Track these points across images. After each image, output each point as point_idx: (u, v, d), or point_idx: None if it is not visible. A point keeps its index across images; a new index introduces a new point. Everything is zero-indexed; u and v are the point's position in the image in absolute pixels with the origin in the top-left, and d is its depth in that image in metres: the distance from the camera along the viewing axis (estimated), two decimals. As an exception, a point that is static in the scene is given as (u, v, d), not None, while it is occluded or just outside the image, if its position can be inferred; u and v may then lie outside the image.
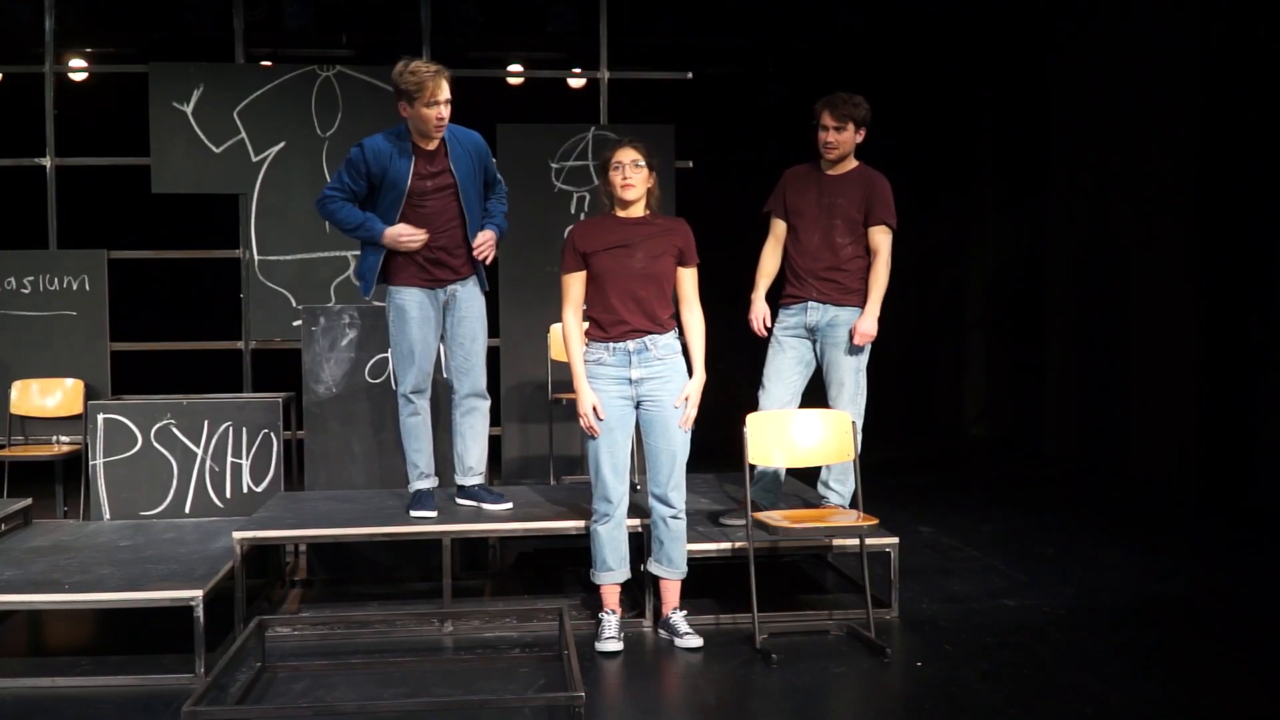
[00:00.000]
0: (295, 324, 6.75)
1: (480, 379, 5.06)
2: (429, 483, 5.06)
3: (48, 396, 6.62)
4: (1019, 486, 8.17)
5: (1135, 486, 7.79)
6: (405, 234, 4.83)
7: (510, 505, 5.06)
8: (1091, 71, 8.63)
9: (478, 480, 5.13)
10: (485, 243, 4.96)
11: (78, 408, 6.58)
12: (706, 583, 5.11)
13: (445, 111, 4.70)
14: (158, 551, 4.85)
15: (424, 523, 4.86)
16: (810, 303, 5.12)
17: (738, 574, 4.71)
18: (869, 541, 4.75)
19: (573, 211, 6.98)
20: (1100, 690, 4.04)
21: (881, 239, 5.09)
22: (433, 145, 4.82)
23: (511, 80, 8.57)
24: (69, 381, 6.68)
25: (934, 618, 4.89)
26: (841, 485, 5.17)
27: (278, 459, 5.70)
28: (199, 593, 4.21)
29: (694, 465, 6.63)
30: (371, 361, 5.74)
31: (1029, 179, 9.60)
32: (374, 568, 5.57)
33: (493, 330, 5.23)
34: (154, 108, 6.87)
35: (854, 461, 4.79)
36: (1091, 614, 4.92)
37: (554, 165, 6.98)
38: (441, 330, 5.03)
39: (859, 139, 5.10)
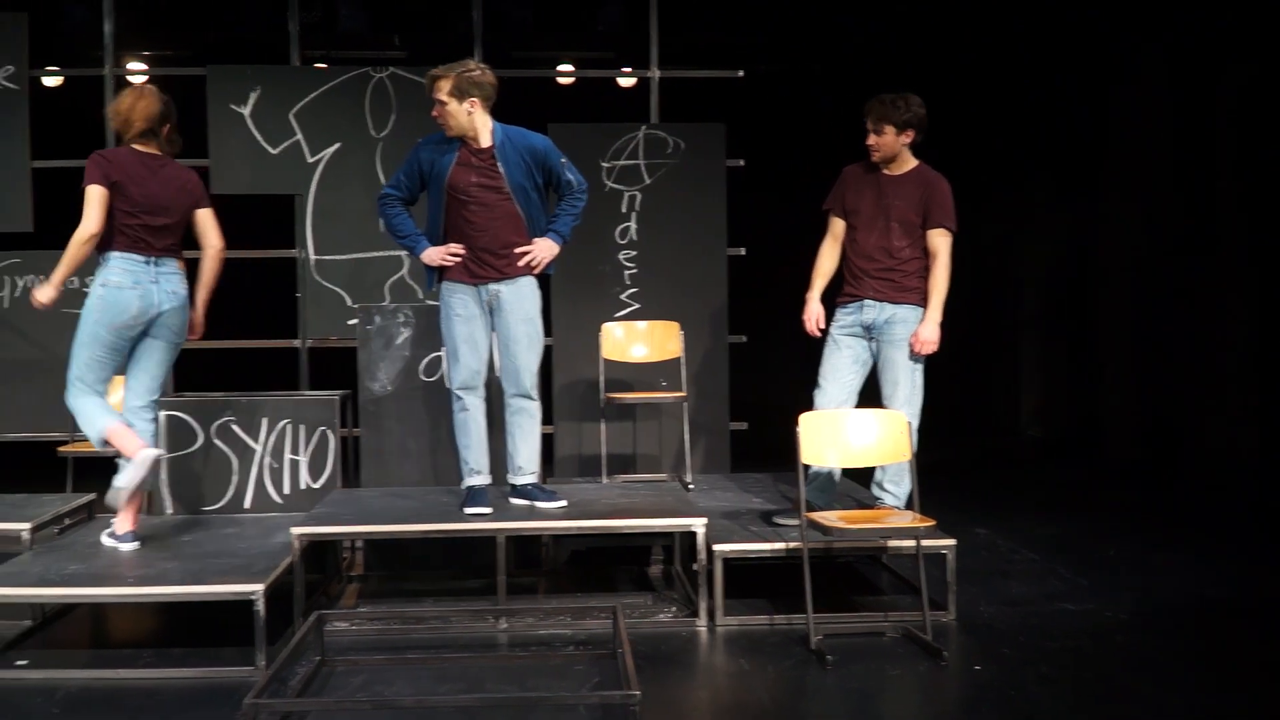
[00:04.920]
0: (351, 323, 6.80)
1: (525, 380, 5.08)
2: (481, 479, 5.09)
3: (110, 394, 6.70)
4: (1077, 488, 8.08)
5: (1196, 488, 7.67)
6: (439, 256, 4.98)
7: (564, 503, 5.08)
8: (1147, 66, 8.51)
9: (529, 479, 5.15)
10: (534, 254, 4.99)
11: (139, 405, 6.65)
12: (760, 583, 5.11)
13: (438, 110, 4.87)
14: (218, 546, 4.92)
15: (478, 520, 4.89)
16: (867, 301, 5.10)
17: (791, 574, 4.69)
18: (925, 543, 4.71)
19: (624, 210, 6.99)
20: (1161, 696, 3.99)
21: (941, 242, 5.05)
22: (484, 144, 4.88)
23: (561, 80, 8.59)
24: (130, 379, 6.75)
25: (992, 621, 4.84)
26: (896, 486, 5.14)
27: (334, 456, 5.76)
28: (260, 587, 4.27)
29: (748, 465, 6.70)
30: (426, 360, 5.78)
31: (1083, 175, 9.49)
32: (429, 564, 5.61)
33: (545, 329, 5.25)
34: (212, 110, 6.95)
35: (910, 462, 4.76)
36: (1152, 618, 4.86)
37: (604, 164, 6.98)
38: (492, 329, 5.07)
39: (905, 140, 5.06)
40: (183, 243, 5.05)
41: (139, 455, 4.67)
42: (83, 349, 4.76)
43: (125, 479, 4.72)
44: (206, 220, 5.06)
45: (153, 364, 4.96)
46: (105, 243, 4.76)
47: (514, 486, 5.16)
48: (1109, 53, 8.96)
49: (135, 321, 4.79)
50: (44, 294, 4.79)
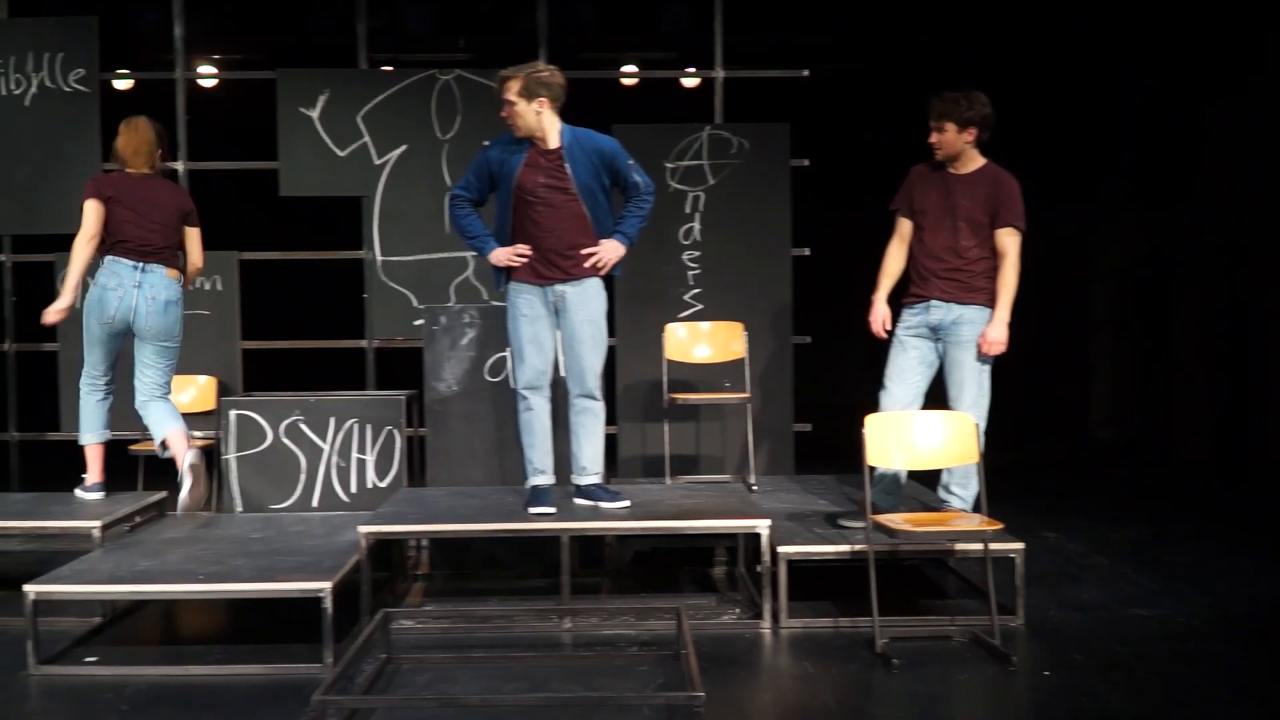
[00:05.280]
0: (417, 323, 6.86)
1: (589, 381, 5.08)
2: (545, 479, 5.11)
3: (182, 393, 6.80)
4: (1149, 491, 7.93)
5: (1269, 492, 7.51)
6: (506, 257, 5.00)
7: (628, 504, 5.08)
8: (1232, 70, 8.35)
9: (593, 479, 5.16)
10: (600, 255, 5.00)
11: (211, 404, 6.77)
12: (824, 585, 5.07)
13: (506, 111, 4.90)
14: (287, 544, 4.97)
15: (543, 519, 4.90)
16: (933, 301, 5.05)
17: (856, 577, 4.66)
18: (993, 547, 4.65)
19: (687, 211, 6.98)
20: (1235, 704, 3.91)
21: (1009, 242, 4.99)
22: (550, 145, 4.90)
23: (625, 81, 8.60)
24: (202, 378, 6.87)
25: (1061, 626, 4.77)
26: (963, 489, 5.08)
27: (400, 455, 5.81)
28: (328, 584, 4.31)
29: (811, 466, 6.66)
30: (491, 360, 5.82)
31: (1159, 177, 9.33)
32: (493, 563, 5.63)
33: (609, 329, 5.25)
34: (282, 113, 7.04)
35: (977, 464, 4.70)
36: (1226, 624, 4.77)
37: (668, 165, 6.98)
38: (557, 329, 5.09)
39: (967, 138, 5.00)
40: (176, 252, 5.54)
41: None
42: (84, 341, 5.47)
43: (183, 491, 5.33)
44: (193, 238, 5.65)
45: (147, 364, 5.46)
46: (102, 248, 5.40)
47: (578, 487, 5.17)
48: (1203, 59, 8.78)
49: (116, 320, 5.35)
50: (52, 313, 5.42)
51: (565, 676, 4.20)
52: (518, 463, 5.35)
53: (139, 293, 5.34)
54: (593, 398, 5.11)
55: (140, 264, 5.36)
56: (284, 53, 8.86)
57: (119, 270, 5.34)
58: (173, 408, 5.51)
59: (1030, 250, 5.11)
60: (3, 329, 7.24)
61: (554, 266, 4.99)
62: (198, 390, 6.85)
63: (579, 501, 5.13)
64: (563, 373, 5.25)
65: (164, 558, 4.76)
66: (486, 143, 5.22)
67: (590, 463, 5.14)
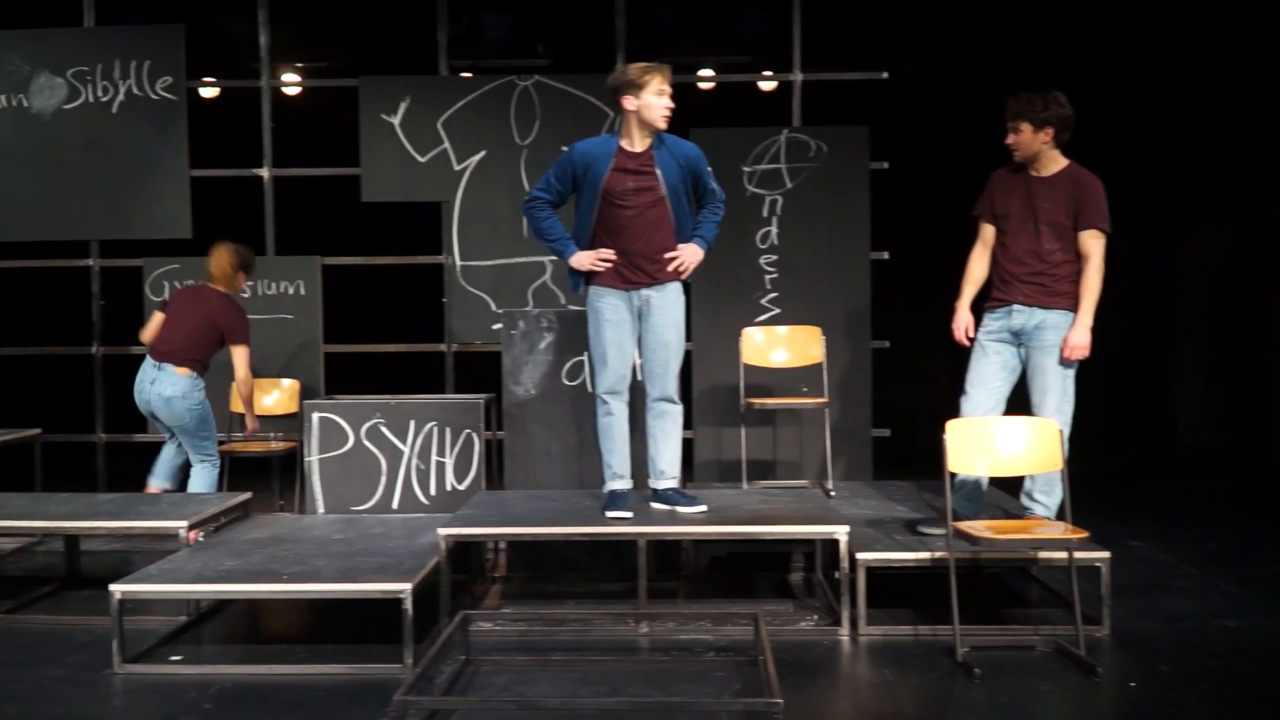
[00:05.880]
0: (495, 327, 6.93)
1: (669, 384, 5.08)
2: (623, 484, 5.11)
3: (266, 396, 6.95)
4: (1239, 499, 7.74)
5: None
6: (589, 261, 4.99)
7: (704, 508, 5.07)
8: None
9: (670, 484, 5.15)
10: (682, 258, 5.00)
11: (293, 406, 6.89)
12: (903, 592, 5.02)
13: (670, 104, 4.88)
14: (368, 545, 5.03)
15: (619, 524, 4.91)
16: (1016, 306, 4.97)
17: (936, 584, 4.60)
18: (1078, 555, 4.57)
19: (765, 215, 6.96)
20: (1333, 719, 3.80)
21: (1093, 244, 4.90)
22: (640, 148, 4.91)
23: (702, 85, 8.58)
24: (285, 381, 7.00)
25: (1149, 637, 4.67)
26: (1047, 496, 4.99)
27: (479, 458, 5.85)
28: (408, 586, 4.35)
29: (890, 472, 6.60)
30: (568, 364, 5.84)
31: (1247, 178, 9.11)
32: (570, 566, 5.65)
33: (685, 333, 5.24)
34: (364, 120, 7.15)
35: (1062, 471, 4.62)
36: (1320, 637, 4.64)
37: (745, 169, 6.96)
38: (638, 334, 5.09)
39: (1044, 139, 4.91)
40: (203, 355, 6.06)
41: None
42: None
43: None
44: (235, 355, 6.11)
45: (176, 441, 6.20)
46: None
47: (655, 491, 5.17)
48: None
49: (144, 409, 6.13)
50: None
51: (642, 681, 4.20)
52: (594, 466, 5.37)
53: (151, 388, 6.01)
54: (672, 401, 5.11)
55: (158, 363, 6.01)
56: (366, 60, 8.97)
57: (144, 367, 6.09)
58: (204, 479, 6.13)
59: (1115, 253, 5.01)
60: (91, 332, 7.42)
61: (639, 270, 5.00)
62: (281, 393, 6.98)
63: (656, 506, 5.13)
64: (640, 376, 5.25)
65: (248, 558, 4.83)
66: (564, 147, 5.23)
67: (668, 467, 5.14)
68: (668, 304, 5.05)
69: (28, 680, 4.31)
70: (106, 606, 4.45)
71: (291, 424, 6.91)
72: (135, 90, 7.22)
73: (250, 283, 6.56)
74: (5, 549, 6.32)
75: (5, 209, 7.26)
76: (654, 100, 4.84)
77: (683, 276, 5.05)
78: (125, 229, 7.27)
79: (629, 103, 4.86)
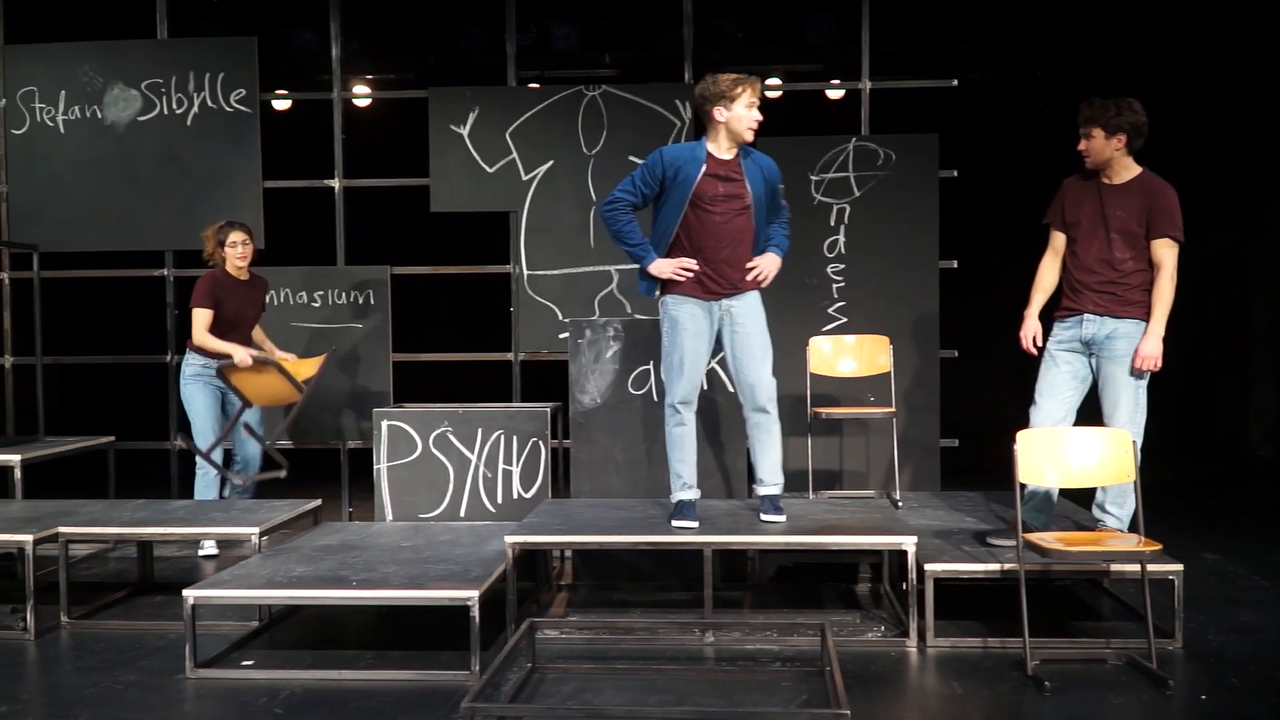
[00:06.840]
0: (562, 336, 6.97)
1: (761, 395, 5.05)
2: (691, 494, 5.11)
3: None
4: (1314, 513, 7.58)
5: None
6: (670, 269, 4.97)
7: (784, 518, 5.06)
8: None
9: (771, 491, 5.13)
10: (762, 268, 5.02)
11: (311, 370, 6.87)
12: (972, 604, 4.97)
13: (759, 116, 4.89)
14: (435, 552, 5.08)
15: (685, 533, 4.92)
16: (1086, 315, 4.91)
17: (1005, 596, 4.56)
18: (1151, 568, 4.50)
19: (832, 224, 6.93)
20: None
21: (1165, 253, 4.83)
22: (728, 156, 4.93)
23: (770, 94, 8.57)
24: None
25: (1221, 650, 4.59)
26: (1119, 508, 4.92)
27: (545, 466, 5.90)
28: (475, 593, 4.38)
29: (958, 483, 6.54)
30: (634, 373, 5.86)
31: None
32: (636, 575, 5.67)
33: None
34: (433, 130, 7.23)
35: (1134, 483, 4.55)
36: (1403, 654, 4.52)
37: (813, 178, 6.94)
38: (715, 344, 5.09)
39: (1116, 146, 4.85)
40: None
41: None
42: None
43: None
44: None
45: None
46: None
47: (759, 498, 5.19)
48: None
49: None
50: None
51: (708, 691, 4.20)
52: (659, 475, 5.38)
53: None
54: (766, 411, 5.08)
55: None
56: (435, 71, 9.10)
57: None
58: (196, 485, 6.36)
59: (1188, 261, 4.93)
60: (165, 341, 7.57)
61: (722, 279, 5.00)
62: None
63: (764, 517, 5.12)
64: (731, 388, 5.24)
65: (318, 564, 4.90)
66: (632, 157, 5.24)
67: (767, 475, 5.13)
68: (750, 313, 5.05)
69: (100, 685, 4.40)
70: (179, 611, 4.53)
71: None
72: (209, 102, 7.35)
73: (231, 247, 6.36)
74: (80, 555, 6.44)
75: (81, 220, 7.42)
76: (744, 113, 4.85)
77: (762, 285, 5.06)
78: (199, 240, 7.40)
79: (719, 114, 4.87)
